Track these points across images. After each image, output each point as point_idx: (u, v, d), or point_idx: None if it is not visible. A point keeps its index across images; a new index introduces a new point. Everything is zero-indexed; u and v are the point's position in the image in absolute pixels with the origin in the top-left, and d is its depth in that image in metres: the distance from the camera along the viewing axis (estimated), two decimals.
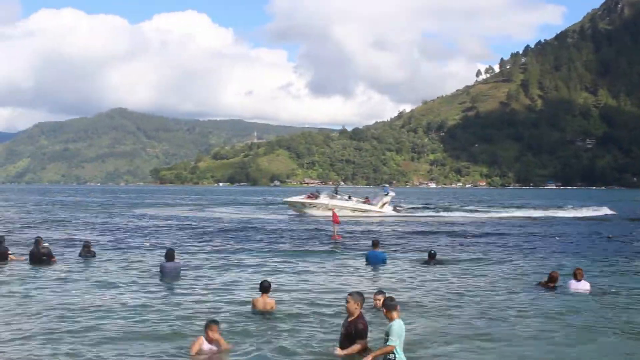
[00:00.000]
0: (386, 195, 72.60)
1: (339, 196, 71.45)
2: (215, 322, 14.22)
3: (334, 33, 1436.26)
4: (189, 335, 15.24)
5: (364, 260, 28.82)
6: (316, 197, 71.32)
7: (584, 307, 19.31)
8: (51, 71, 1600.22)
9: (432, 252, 29.44)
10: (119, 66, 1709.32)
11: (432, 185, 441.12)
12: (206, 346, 13.83)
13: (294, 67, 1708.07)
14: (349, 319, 13.34)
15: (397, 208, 73.03)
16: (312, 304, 19.30)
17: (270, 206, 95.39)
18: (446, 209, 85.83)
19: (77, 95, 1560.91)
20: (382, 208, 70.34)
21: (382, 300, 17.59)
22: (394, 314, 12.96)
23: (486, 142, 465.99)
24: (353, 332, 13.13)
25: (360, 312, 13.40)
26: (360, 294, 13.70)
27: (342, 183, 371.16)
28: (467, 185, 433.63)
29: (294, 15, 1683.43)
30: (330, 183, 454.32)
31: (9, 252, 28.30)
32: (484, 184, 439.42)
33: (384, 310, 13.20)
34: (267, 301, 17.88)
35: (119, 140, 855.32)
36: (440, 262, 28.62)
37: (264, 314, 17.52)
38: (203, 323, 16.31)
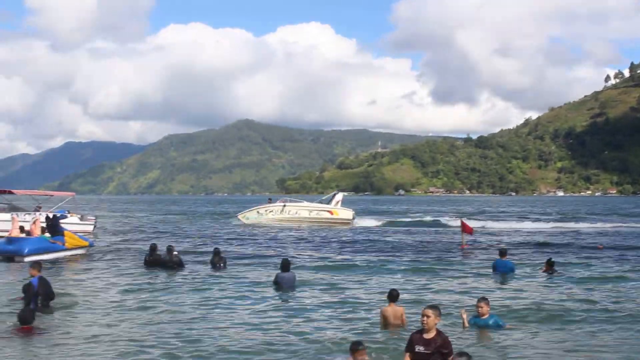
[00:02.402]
0: (337, 193, 72.88)
1: (290, 199, 72.50)
2: (362, 344, 12.62)
3: (457, 40, 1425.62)
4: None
5: (492, 269, 28.54)
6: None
7: None
8: (179, 84, 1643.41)
9: (551, 260, 28.92)
10: (245, 78, 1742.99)
11: (560, 193, 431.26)
12: None
13: (417, 75, 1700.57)
14: (427, 336, 12.11)
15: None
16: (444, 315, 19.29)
17: (399, 218, 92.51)
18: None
19: (205, 107, 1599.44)
20: (337, 206, 69.58)
21: (484, 308, 17.41)
22: None
23: (616, 149, 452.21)
24: (441, 349, 11.95)
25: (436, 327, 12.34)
26: (438, 307, 12.75)
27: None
28: (597, 193, 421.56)
29: (417, 23, 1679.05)
30: (455, 191, 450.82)
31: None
32: (615, 192, 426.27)
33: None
34: (396, 309, 17.59)
35: (246, 151, 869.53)
36: (557, 272, 27.91)
37: (395, 325, 17.35)
38: (332, 333, 16.70)
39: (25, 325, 16.33)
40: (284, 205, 68.75)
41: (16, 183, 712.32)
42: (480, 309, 17.25)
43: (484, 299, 17.68)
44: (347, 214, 69.28)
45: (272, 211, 68.44)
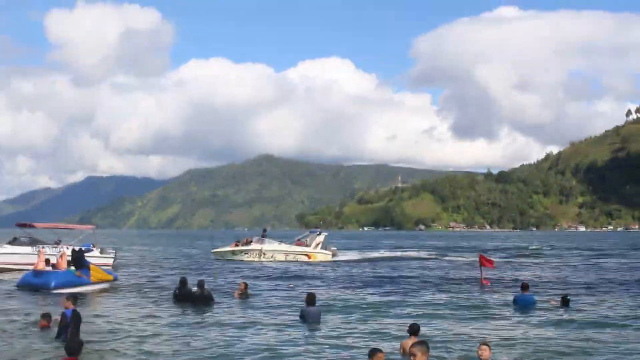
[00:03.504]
0: (319, 234, 69.68)
1: (267, 240, 68.12)
2: (380, 350, 13.75)
3: (476, 75, 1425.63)
4: None
5: (513, 303, 28.13)
6: (248, 243, 67.88)
7: None
8: (200, 119, 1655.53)
9: (567, 297, 28.49)
10: (265, 113, 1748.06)
11: (582, 228, 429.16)
12: None
13: (437, 110, 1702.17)
14: None
15: (332, 249, 70.25)
16: (464, 351, 19.01)
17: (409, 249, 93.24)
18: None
19: (225, 142, 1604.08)
20: (316, 248, 67.55)
21: (486, 351, 16.41)
22: None
23: (638, 183, 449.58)
24: None
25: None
26: (425, 342, 11.84)
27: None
28: (619, 229, 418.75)
29: (437, 58, 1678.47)
30: (475, 226, 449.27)
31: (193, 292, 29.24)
32: (637, 227, 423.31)
33: None
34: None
35: (266, 186, 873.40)
36: (571, 308, 27.34)
37: None
38: None
39: (72, 356, 16.25)
40: (261, 251, 65.71)
41: (38, 216, 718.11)
42: (482, 351, 16.35)
43: (485, 343, 16.91)
44: (325, 257, 67.31)
45: (247, 254, 65.97)
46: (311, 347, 19.46)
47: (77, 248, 39.26)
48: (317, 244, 68.11)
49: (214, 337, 20.97)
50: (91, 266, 35.16)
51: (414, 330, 17.76)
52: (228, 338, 20.91)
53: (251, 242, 67.89)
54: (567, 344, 20.15)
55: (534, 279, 43.78)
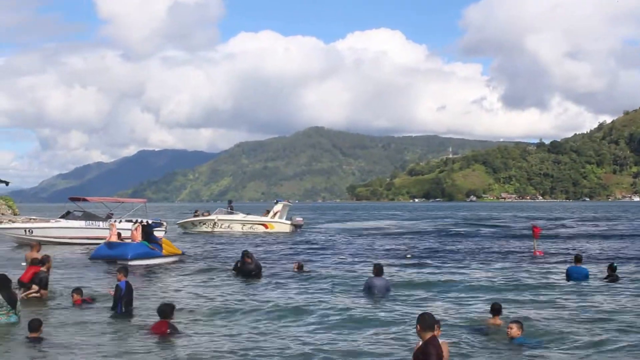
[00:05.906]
0: (276, 204, 68.12)
1: (225, 212, 67.93)
2: (438, 322, 12.96)
3: (527, 44, 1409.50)
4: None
5: (565, 276, 27.43)
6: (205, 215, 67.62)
7: None
8: (250, 92, 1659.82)
9: (614, 265, 27.98)
10: (315, 85, 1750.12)
11: (636, 198, 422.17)
12: None
13: (487, 80, 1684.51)
14: (417, 345, 11.84)
15: (297, 220, 69.04)
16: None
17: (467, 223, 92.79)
18: None
19: (275, 114, 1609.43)
20: (274, 218, 66.24)
21: (514, 329, 16.08)
22: None
23: None
24: (423, 356, 11.37)
25: (433, 335, 11.58)
26: (425, 316, 11.81)
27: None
28: None
29: (487, 27, 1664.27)
30: (527, 197, 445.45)
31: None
32: None
33: None
34: (497, 323, 17.35)
35: (316, 158, 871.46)
36: (618, 278, 26.83)
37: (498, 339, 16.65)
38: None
39: (166, 319, 17.06)
40: (215, 222, 65.63)
41: (91, 191, 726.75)
42: (510, 330, 16.17)
43: (516, 321, 16.55)
44: (283, 227, 65.99)
45: (204, 224, 65.87)
46: (379, 325, 18.79)
47: (150, 221, 39.83)
48: (275, 214, 66.95)
49: (274, 310, 20.74)
50: (163, 239, 36.14)
51: (495, 309, 17.69)
52: (288, 310, 20.74)
53: (198, 212, 68.45)
54: (618, 316, 19.85)
55: (585, 250, 43.72)
